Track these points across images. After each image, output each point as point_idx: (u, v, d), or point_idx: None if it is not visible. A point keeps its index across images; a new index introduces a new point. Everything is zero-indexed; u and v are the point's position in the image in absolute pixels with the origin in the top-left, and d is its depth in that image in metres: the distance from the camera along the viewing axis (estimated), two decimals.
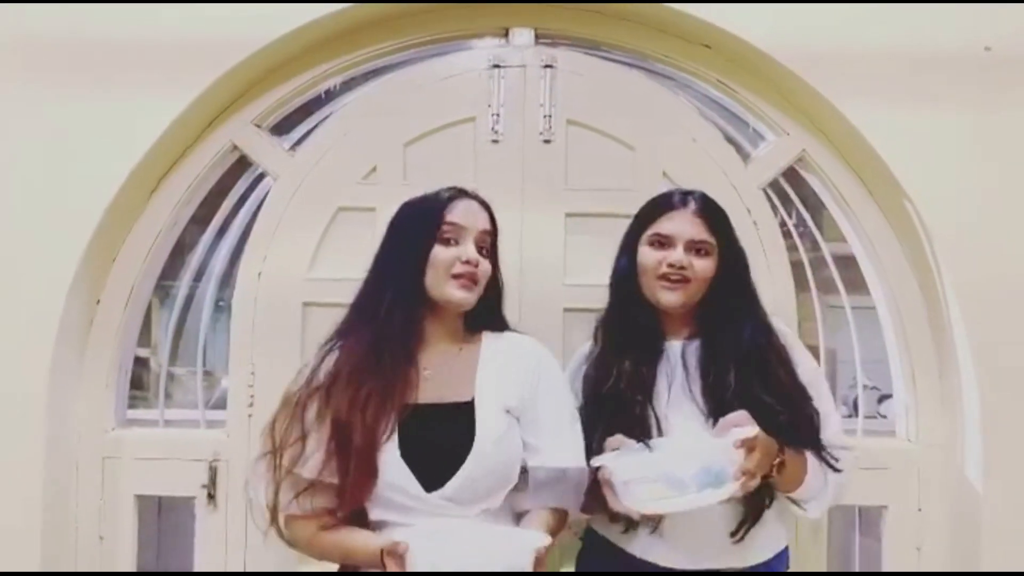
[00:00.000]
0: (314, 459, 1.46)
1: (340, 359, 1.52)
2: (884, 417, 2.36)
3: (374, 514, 1.48)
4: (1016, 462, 1.92)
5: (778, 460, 1.48)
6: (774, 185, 2.15)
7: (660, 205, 1.68)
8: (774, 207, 2.14)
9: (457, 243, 1.54)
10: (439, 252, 1.52)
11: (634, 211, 2.00)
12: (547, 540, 1.36)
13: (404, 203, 1.61)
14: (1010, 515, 1.91)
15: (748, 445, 1.41)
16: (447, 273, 1.52)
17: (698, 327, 1.66)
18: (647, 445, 1.50)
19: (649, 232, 1.66)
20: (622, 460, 1.46)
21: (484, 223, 1.58)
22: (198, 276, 2.20)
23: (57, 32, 1.95)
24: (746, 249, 1.72)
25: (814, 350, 2.18)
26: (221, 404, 2.13)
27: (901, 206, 2.02)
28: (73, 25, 1.95)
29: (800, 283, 2.14)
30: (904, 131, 1.96)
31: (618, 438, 1.51)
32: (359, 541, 1.46)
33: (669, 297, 1.62)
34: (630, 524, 1.56)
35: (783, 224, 2.20)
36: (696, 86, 2.16)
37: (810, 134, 2.10)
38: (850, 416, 2.27)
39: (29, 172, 1.94)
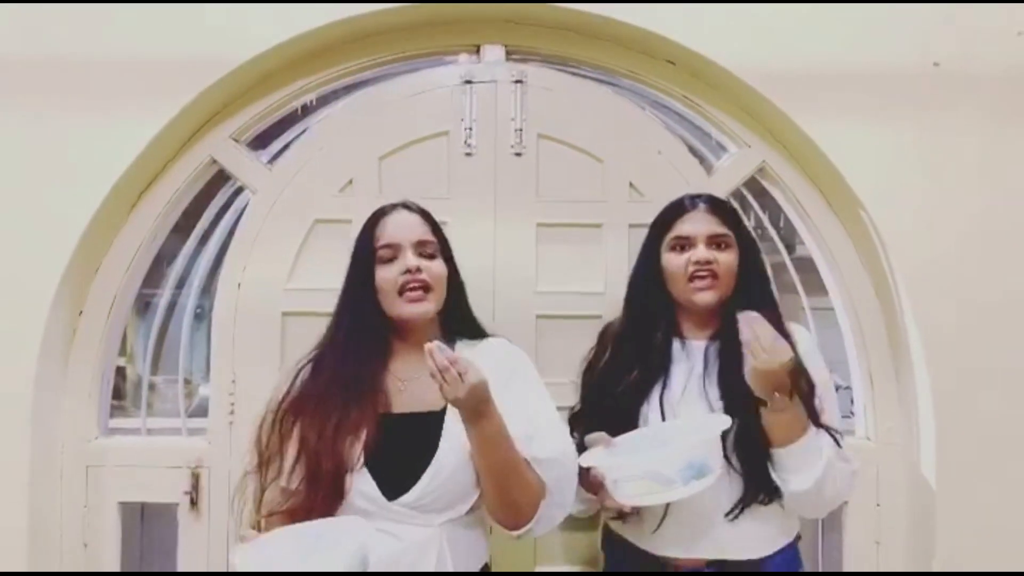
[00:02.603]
0: (290, 472, 1.50)
1: (310, 380, 1.57)
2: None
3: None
4: (968, 460, 2.00)
5: (790, 388, 1.52)
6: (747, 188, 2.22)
7: (673, 210, 1.74)
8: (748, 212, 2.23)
9: (395, 259, 1.55)
10: (381, 273, 1.55)
11: (603, 220, 2.10)
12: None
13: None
14: (962, 510, 1.99)
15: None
16: (394, 291, 1.54)
17: (720, 326, 1.70)
18: (628, 439, 1.58)
19: (669, 237, 1.71)
20: (610, 461, 1.51)
21: (419, 232, 1.58)
22: (179, 285, 2.23)
23: (39, 50, 1.99)
24: None
25: None
26: (199, 412, 2.17)
27: (857, 215, 2.10)
28: (54, 44, 1.99)
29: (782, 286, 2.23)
30: (858, 143, 2.03)
31: (599, 435, 1.56)
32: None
33: (704, 297, 1.67)
34: (623, 516, 1.62)
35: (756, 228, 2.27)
36: (661, 100, 2.22)
37: (770, 146, 2.16)
38: None
39: (13, 187, 1.98)
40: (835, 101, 2.03)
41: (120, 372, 2.36)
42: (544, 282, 2.12)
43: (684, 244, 1.69)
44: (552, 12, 2.07)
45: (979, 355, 2.01)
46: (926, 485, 2.04)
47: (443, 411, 1.53)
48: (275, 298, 2.10)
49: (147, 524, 2.25)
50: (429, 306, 1.56)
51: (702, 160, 2.21)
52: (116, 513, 2.09)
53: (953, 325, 2.01)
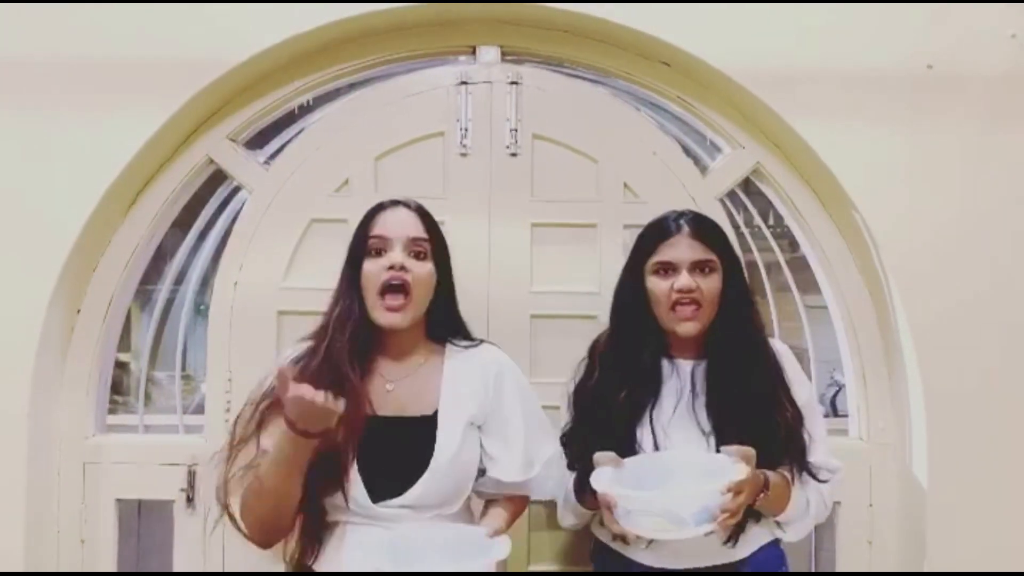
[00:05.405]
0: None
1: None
2: None
3: (332, 515, 1.51)
4: (958, 460, 2.01)
5: (761, 495, 1.55)
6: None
7: (658, 233, 1.70)
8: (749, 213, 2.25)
9: (384, 253, 1.52)
10: (368, 266, 1.52)
11: (598, 221, 2.11)
12: (507, 550, 1.36)
13: None
14: (953, 509, 2.00)
15: (735, 488, 1.44)
16: (376, 290, 1.50)
17: (707, 348, 1.70)
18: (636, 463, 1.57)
19: (653, 261, 1.69)
20: (625, 491, 1.48)
21: (414, 230, 1.54)
22: (179, 281, 2.24)
23: (36, 50, 2.00)
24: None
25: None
26: (202, 408, 2.17)
27: (850, 216, 2.10)
28: (52, 43, 2.00)
29: (781, 285, 2.26)
30: (851, 145, 2.03)
31: (609, 455, 1.53)
32: (278, 435, 1.39)
33: (686, 328, 1.65)
34: (624, 538, 1.60)
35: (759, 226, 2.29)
36: (656, 101, 2.23)
37: (764, 147, 2.17)
38: (826, 415, 2.34)
39: (10, 186, 1.99)
40: (828, 102, 2.04)
41: (124, 368, 2.38)
42: (539, 282, 2.13)
43: (667, 269, 1.67)
44: (547, 13, 2.08)
45: (971, 356, 2.02)
46: (917, 484, 2.05)
47: (433, 415, 1.52)
48: (271, 297, 2.11)
49: (144, 521, 2.26)
50: (405, 316, 1.52)
51: (696, 161, 2.21)
52: (113, 510, 2.10)
53: (945, 326, 2.02)
